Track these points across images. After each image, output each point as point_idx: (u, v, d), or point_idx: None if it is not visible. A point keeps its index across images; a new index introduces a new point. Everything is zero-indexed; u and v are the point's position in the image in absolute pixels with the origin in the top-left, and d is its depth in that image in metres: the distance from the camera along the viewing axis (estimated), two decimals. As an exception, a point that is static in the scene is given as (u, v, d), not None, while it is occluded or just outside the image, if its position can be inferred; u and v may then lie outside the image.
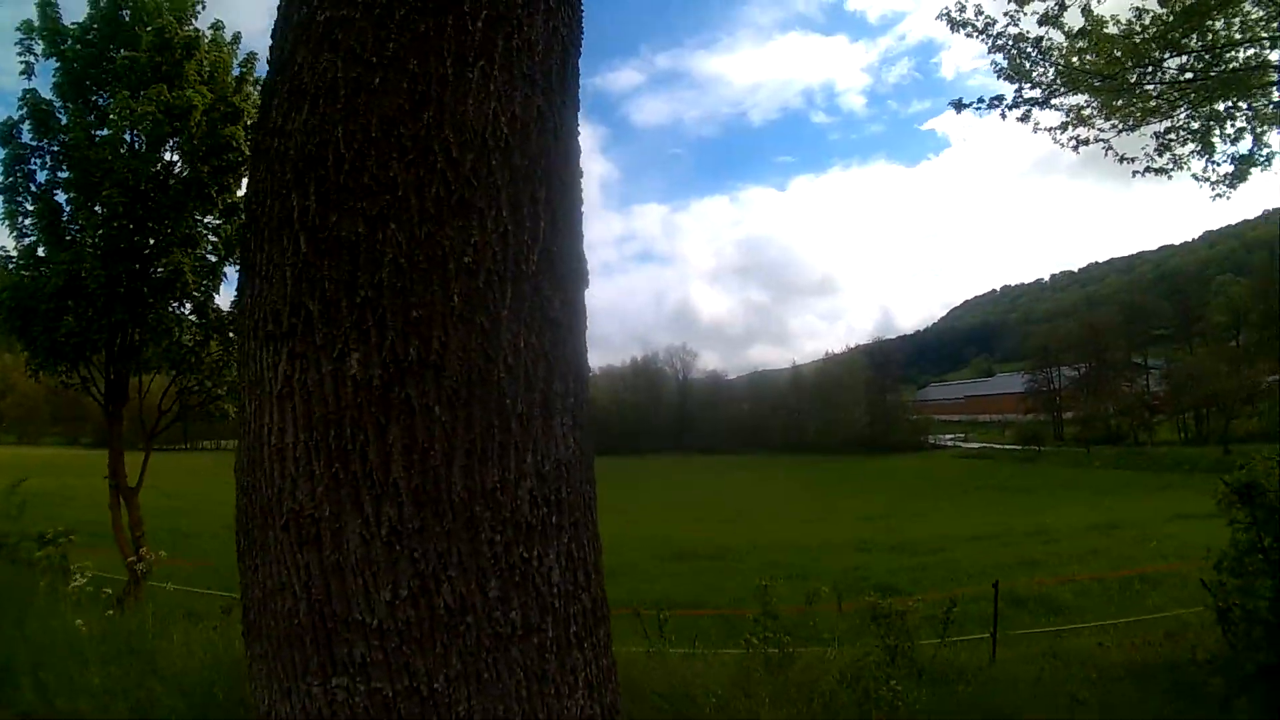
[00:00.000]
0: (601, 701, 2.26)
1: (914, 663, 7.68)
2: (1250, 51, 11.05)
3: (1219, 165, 11.88)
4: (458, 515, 2.04)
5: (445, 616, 2.01)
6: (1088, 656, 9.51)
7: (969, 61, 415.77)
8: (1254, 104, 11.50)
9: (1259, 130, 11.62)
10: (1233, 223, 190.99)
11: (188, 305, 14.98)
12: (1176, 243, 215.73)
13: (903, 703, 6.40)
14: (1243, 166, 11.76)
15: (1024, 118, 12.01)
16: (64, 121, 14.12)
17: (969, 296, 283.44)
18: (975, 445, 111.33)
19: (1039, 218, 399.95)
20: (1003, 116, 11.94)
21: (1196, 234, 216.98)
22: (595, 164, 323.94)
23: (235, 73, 15.20)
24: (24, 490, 17.06)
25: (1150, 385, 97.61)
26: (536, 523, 2.13)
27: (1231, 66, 11.07)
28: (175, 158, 14.60)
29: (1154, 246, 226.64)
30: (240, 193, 14.56)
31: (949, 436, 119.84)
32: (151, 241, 14.25)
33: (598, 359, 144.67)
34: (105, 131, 14.27)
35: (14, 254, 14.11)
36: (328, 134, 2.12)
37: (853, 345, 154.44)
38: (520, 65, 2.25)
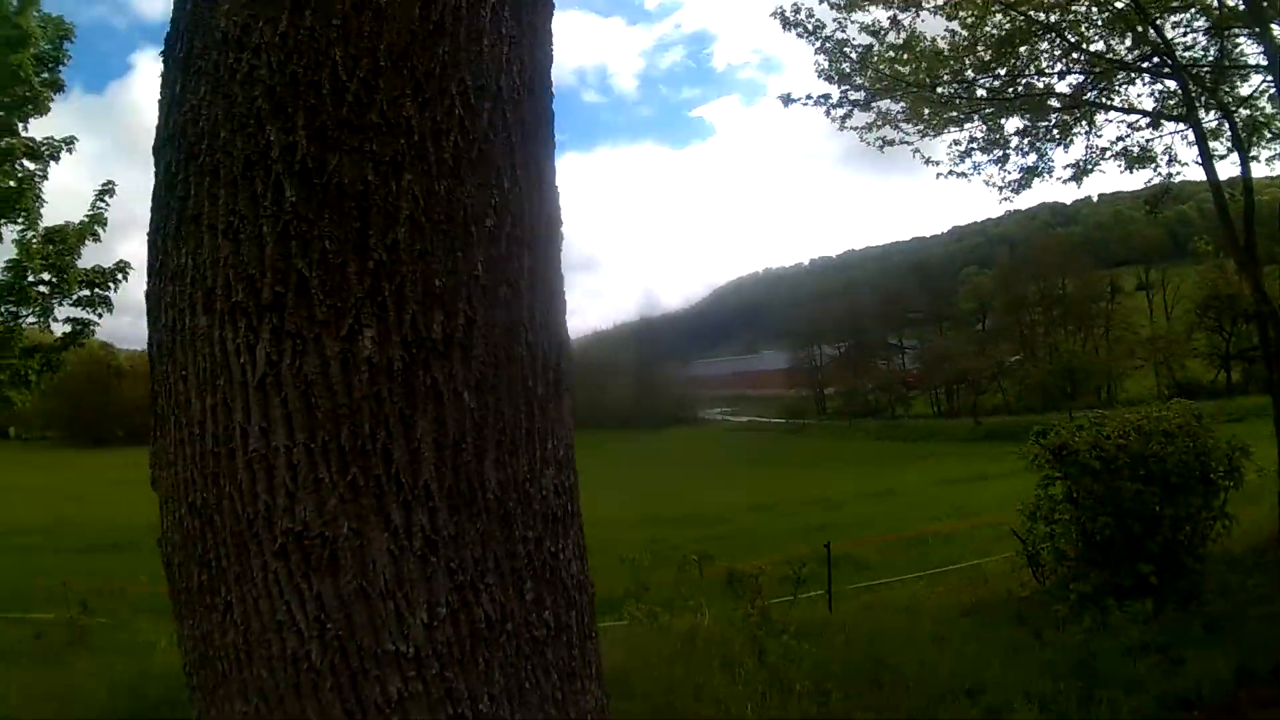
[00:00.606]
0: (602, 688, 2.04)
1: (776, 622, 8.14)
2: (1041, 81, 12.77)
3: (1009, 173, 13.60)
4: (492, 515, 1.75)
5: (485, 629, 1.72)
6: (916, 604, 10.59)
7: (740, 55, 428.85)
8: (1039, 123, 13.25)
9: (1040, 146, 13.46)
10: (977, 219, 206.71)
11: None
12: (927, 235, 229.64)
13: (795, 657, 6.82)
14: (1029, 175, 13.58)
15: (846, 116, 13.08)
16: None
17: (732, 278, 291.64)
18: (743, 419, 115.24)
19: (801, 205, 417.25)
20: (827, 114, 12.99)
21: (945, 228, 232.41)
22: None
23: None
24: None
25: (905, 364, 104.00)
26: (560, 513, 1.90)
27: (1023, 92, 12.75)
28: None
29: (907, 237, 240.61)
30: (28, 133, 12.48)
31: (717, 410, 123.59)
32: None
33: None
34: None
35: None
36: (321, 55, 1.66)
37: (619, 323, 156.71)
38: (528, 12, 1.94)
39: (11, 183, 12.32)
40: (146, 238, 1.87)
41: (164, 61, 1.87)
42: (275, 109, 1.65)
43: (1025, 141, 13.40)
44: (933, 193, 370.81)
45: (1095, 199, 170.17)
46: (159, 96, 1.87)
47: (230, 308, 1.64)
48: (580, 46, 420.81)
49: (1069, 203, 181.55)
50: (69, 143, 12.53)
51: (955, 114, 13.07)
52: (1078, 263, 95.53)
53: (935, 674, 6.56)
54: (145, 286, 1.88)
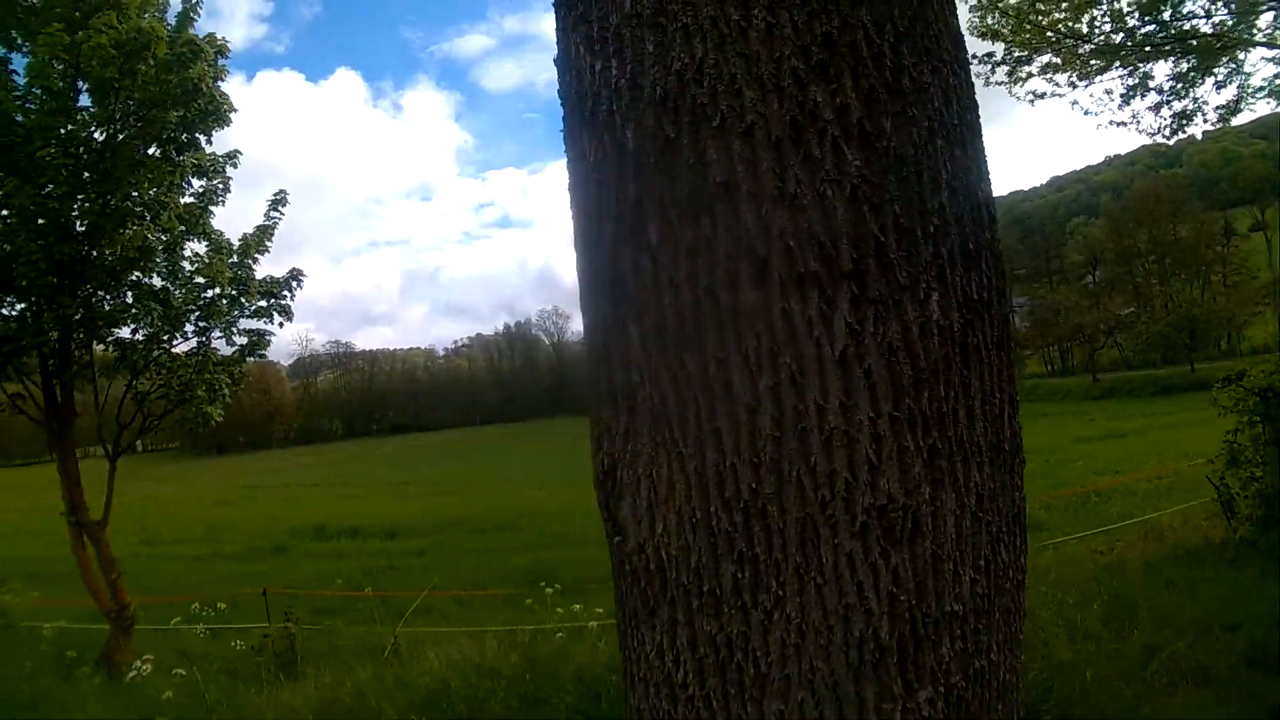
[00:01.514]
0: None
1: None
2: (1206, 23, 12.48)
3: (1163, 120, 13.43)
4: (1004, 464, 1.82)
5: (1001, 580, 1.79)
6: (1114, 556, 10.22)
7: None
8: (1194, 65, 12.86)
9: (1189, 89, 13.10)
10: (1077, 168, 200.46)
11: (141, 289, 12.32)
12: (1025, 188, 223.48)
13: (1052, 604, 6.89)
14: (1181, 119, 13.35)
15: (1010, 73, 13.06)
16: None
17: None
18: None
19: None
20: (992, 71, 13.05)
21: (1044, 179, 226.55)
22: (449, 132, 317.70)
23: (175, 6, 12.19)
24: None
25: (1016, 322, 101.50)
26: (1022, 456, 1.98)
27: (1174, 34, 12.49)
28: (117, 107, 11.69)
29: (1004, 191, 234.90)
30: (210, 148, 12.50)
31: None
32: (101, 213, 11.59)
33: (468, 328, 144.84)
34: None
35: None
36: (850, 18, 1.61)
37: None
38: None
39: (190, 199, 12.49)
40: (577, 219, 1.86)
41: (581, 20, 1.81)
42: (817, 68, 1.60)
43: (1179, 85, 13.01)
44: (1027, 143, 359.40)
45: (1199, 137, 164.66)
46: (571, 56, 1.84)
47: (796, 278, 1.59)
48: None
49: (1172, 143, 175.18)
50: (232, 157, 12.60)
51: (1104, 61, 12.81)
52: (1189, 206, 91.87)
53: (1182, 613, 6.51)
54: (592, 273, 1.85)
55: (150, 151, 11.98)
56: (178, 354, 12.57)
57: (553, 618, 8.21)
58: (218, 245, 12.49)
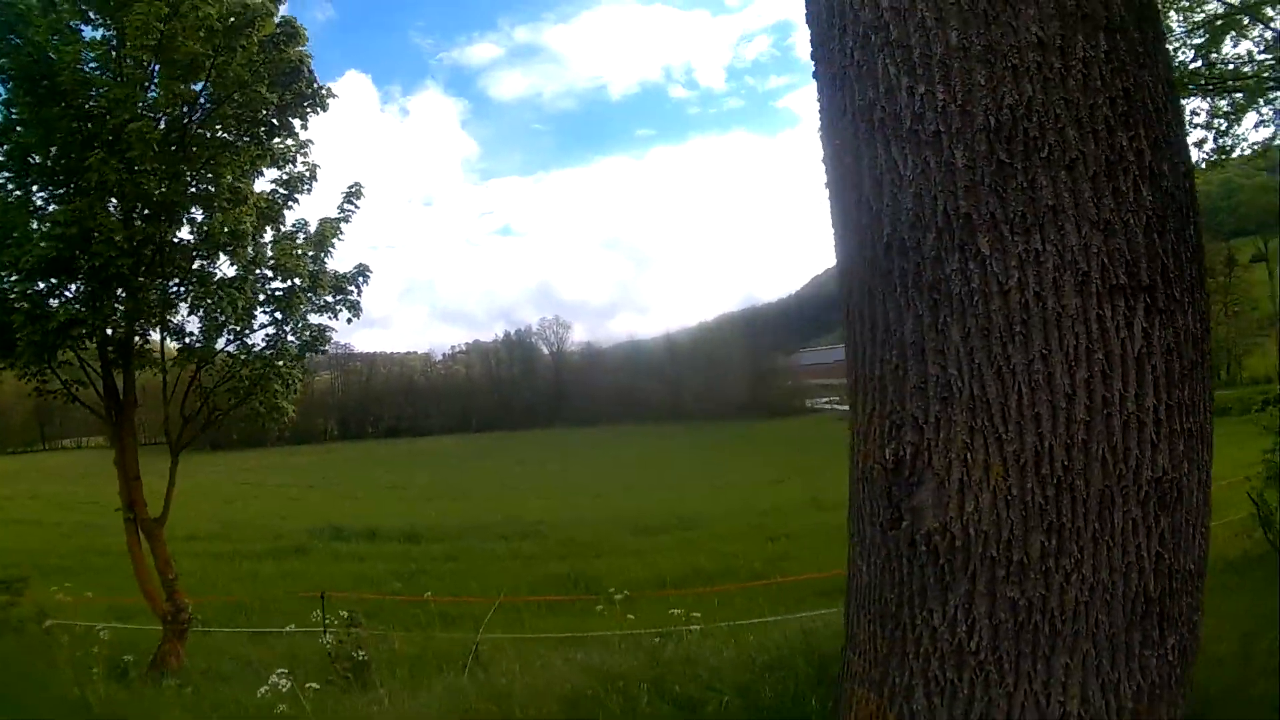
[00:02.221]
0: None
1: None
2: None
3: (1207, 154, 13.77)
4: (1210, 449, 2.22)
5: (1208, 544, 2.24)
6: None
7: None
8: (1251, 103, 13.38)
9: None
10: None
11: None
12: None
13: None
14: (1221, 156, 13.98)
15: None
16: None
17: (831, 265, 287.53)
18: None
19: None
20: None
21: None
22: (455, 139, 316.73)
23: None
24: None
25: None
26: None
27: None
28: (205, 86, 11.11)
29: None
30: (305, 133, 11.90)
31: (825, 400, 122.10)
32: (183, 193, 11.08)
33: (465, 334, 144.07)
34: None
35: None
36: (1140, 72, 2.09)
37: (718, 314, 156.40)
38: None
39: (280, 188, 12.07)
40: (866, 226, 2.24)
41: (898, 45, 2.13)
42: (1121, 117, 2.02)
43: (1220, 122, 13.55)
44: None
45: (1201, 166, 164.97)
46: (879, 74, 2.17)
47: (1109, 289, 2.00)
48: (663, 42, 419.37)
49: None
50: (303, 147, 12.14)
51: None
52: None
53: (1242, 617, 6.43)
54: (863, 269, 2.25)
55: (236, 134, 11.51)
56: (249, 345, 12.07)
57: (623, 623, 8.30)
58: (292, 235, 12.02)
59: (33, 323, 10.20)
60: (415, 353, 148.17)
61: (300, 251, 11.82)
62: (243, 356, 12.01)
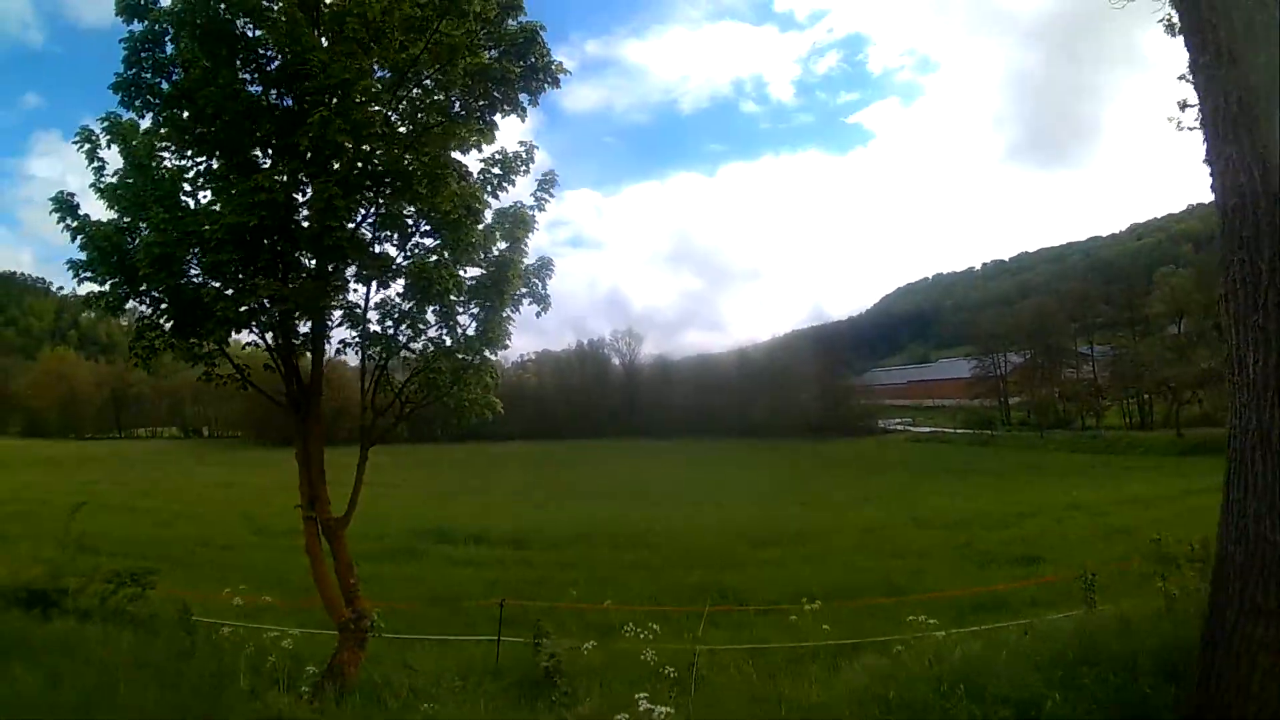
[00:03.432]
0: None
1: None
2: None
3: None
4: None
5: None
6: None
7: (895, 57, 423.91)
8: None
9: None
10: (1158, 216, 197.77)
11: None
12: (1104, 234, 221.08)
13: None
14: None
15: None
16: None
17: (900, 284, 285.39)
18: (925, 429, 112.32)
19: (967, 207, 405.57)
20: None
21: (1123, 225, 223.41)
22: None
23: None
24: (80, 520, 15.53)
25: (1096, 372, 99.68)
26: None
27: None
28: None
29: (1082, 238, 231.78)
30: (534, 109, 10.76)
31: (896, 421, 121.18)
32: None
33: (535, 343, 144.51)
34: None
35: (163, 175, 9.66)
36: None
37: (787, 330, 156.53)
38: None
39: (494, 168, 10.83)
40: None
41: None
42: None
43: None
44: (1108, 187, 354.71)
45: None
46: None
47: None
48: (734, 57, 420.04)
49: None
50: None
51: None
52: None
53: None
54: None
55: (461, 104, 10.48)
56: (436, 336, 10.93)
57: (821, 634, 7.92)
58: (501, 221, 10.87)
59: (228, 298, 9.44)
60: (487, 358, 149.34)
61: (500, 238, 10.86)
62: (448, 345, 10.82)
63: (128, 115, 9.89)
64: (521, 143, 10.63)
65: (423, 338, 10.66)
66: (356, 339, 10.66)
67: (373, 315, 10.58)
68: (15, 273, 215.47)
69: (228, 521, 34.92)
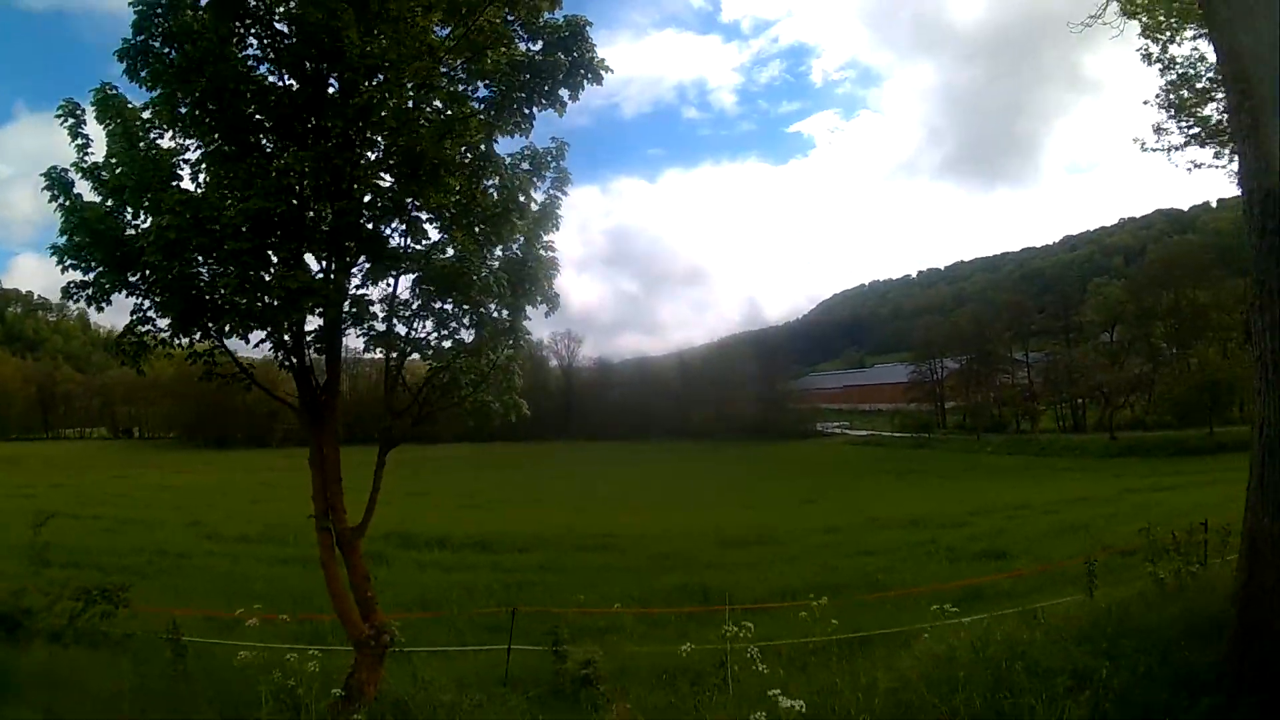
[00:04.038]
0: None
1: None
2: None
3: None
4: None
5: None
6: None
7: (837, 69, 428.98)
8: None
9: None
10: (1090, 228, 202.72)
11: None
12: (1038, 245, 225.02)
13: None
14: None
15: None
16: None
17: (837, 290, 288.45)
18: (863, 433, 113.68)
19: (904, 217, 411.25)
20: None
21: (1057, 237, 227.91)
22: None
23: None
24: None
25: (1030, 377, 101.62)
26: None
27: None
28: None
29: (1016, 248, 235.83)
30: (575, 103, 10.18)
31: (834, 424, 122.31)
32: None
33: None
34: None
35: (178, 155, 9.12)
36: None
37: (725, 334, 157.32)
38: None
39: (524, 162, 10.35)
40: None
41: None
42: None
43: None
44: (1042, 201, 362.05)
45: (1215, 204, 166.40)
46: None
47: None
48: (677, 64, 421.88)
49: (1186, 209, 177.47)
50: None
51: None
52: (1214, 272, 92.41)
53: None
54: None
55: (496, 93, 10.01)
56: (480, 335, 10.29)
57: (830, 628, 7.96)
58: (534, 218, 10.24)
59: (246, 290, 8.73)
60: (417, 360, 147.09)
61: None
62: (470, 343, 10.28)
63: (121, 95, 9.28)
64: (553, 139, 10.12)
65: (452, 338, 10.08)
66: (368, 335, 10.07)
67: (379, 310, 10.00)
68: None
69: (175, 527, 33.83)
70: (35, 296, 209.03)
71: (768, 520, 37.62)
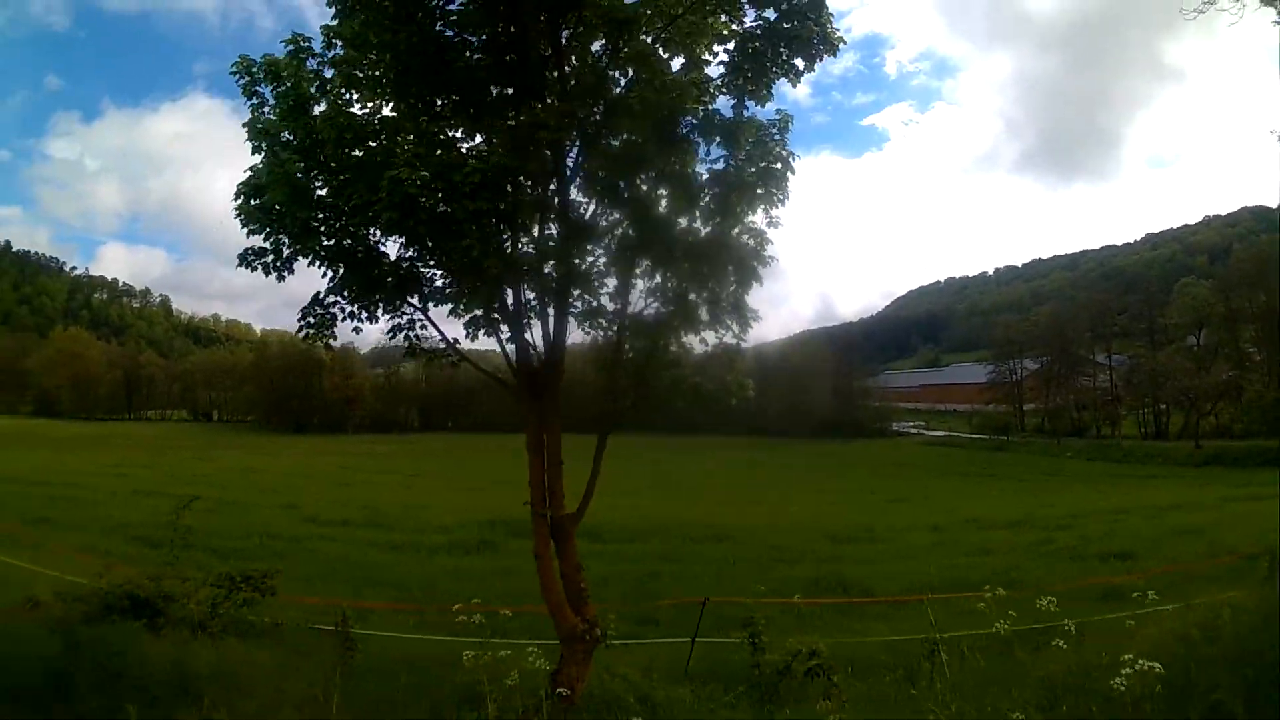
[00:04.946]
0: None
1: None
2: None
3: None
4: None
5: None
6: None
7: (911, 60, 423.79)
8: None
9: None
10: (1174, 226, 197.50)
11: None
12: (1119, 243, 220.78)
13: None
14: None
15: None
16: None
17: (912, 287, 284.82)
18: (940, 433, 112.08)
19: (980, 212, 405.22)
20: None
21: (1138, 235, 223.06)
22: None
23: None
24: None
25: (1114, 381, 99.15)
26: None
27: None
28: None
29: (1096, 246, 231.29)
30: (813, 73, 9.72)
31: (909, 424, 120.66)
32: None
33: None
34: None
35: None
36: None
37: (799, 330, 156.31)
38: None
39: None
40: None
41: None
42: None
43: None
44: (1123, 197, 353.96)
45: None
46: None
47: None
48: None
49: (1275, 206, 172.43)
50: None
51: None
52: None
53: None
54: None
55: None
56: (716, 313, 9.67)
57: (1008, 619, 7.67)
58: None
59: (498, 252, 8.48)
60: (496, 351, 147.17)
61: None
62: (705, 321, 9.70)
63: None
64: (777, 111, 9.55)
65: (680, 316, 9.56)
66: (588, 311, 9.76)
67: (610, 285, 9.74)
68: (30, 251, 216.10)
69: (271, 509, 33.85)
70: (120, 284, 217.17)
71: (863, 518, 37.17)
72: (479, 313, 9.40)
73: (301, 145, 8.74)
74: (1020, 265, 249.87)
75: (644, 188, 9.42)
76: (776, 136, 9.32)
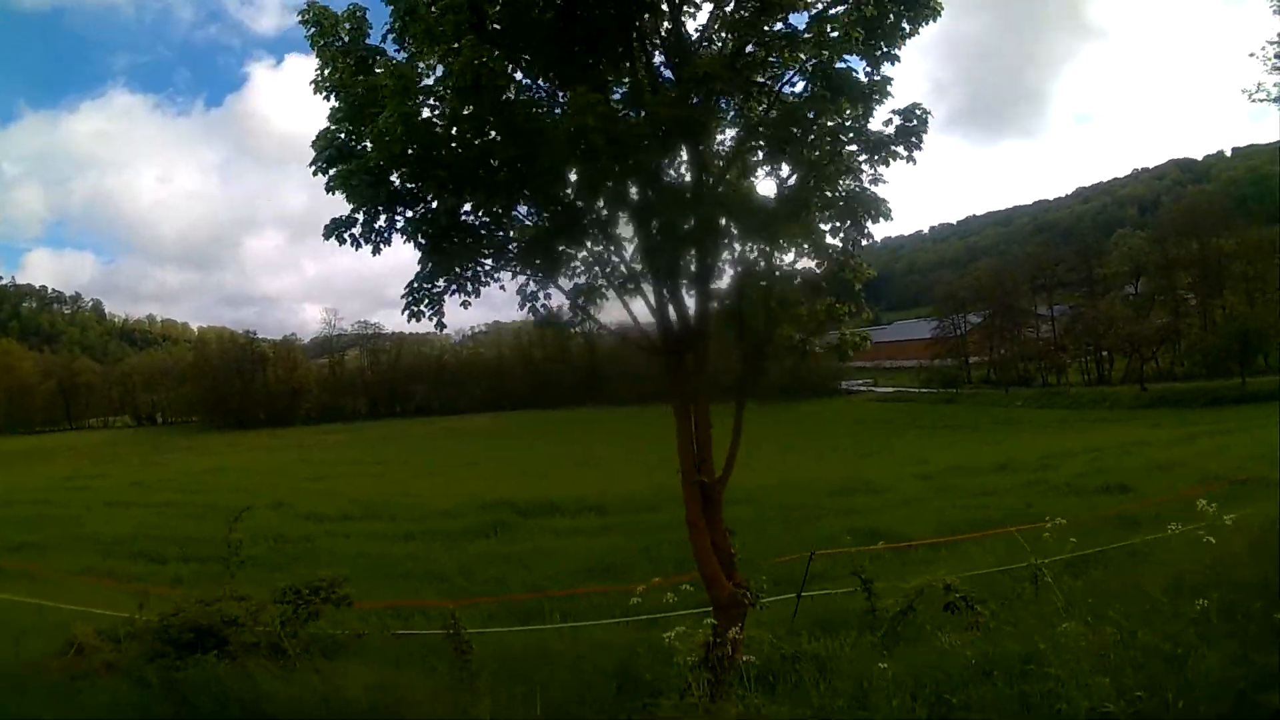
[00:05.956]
0: None
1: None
2: None
3: None
4: None
5: None
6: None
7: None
8: None
9: None
10: (1103, 180, 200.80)
11: None
12: (1050, 198, 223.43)
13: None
14: None
15: None
16: None
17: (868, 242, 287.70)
18: (889, 389, 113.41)
19: (913, 173, 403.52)
20: None
21: (1069, 190, 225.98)
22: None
23: None
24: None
25: (1055, 330, 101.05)
26: None
27: None
28: None
29: (1029, 201, 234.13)
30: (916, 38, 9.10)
31: (858, 381, 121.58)
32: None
33: (484, 315, 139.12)
34: None
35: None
36: None
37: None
38: None
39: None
40: None
41: None
42: None
43: None
44: (1053, 152, 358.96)
45: (1229, 154, 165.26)
46: None
47: None
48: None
49: (1200, 158, 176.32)
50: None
51: None
52: (1236, 221, 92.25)
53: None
54: None
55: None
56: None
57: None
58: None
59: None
60: (434, 333, 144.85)
61: None
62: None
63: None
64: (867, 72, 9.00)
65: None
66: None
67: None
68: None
69: (261, 510, 32.78)
70: (49, 290, 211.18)
71: (848, 473, 37.83)
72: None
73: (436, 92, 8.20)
74: (955, 222, 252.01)
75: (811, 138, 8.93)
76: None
